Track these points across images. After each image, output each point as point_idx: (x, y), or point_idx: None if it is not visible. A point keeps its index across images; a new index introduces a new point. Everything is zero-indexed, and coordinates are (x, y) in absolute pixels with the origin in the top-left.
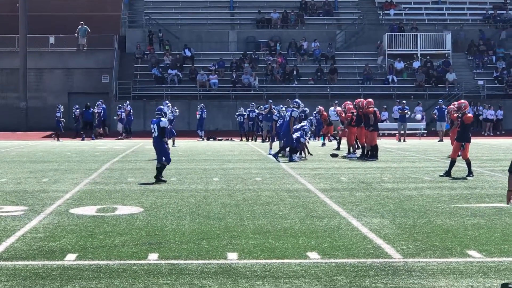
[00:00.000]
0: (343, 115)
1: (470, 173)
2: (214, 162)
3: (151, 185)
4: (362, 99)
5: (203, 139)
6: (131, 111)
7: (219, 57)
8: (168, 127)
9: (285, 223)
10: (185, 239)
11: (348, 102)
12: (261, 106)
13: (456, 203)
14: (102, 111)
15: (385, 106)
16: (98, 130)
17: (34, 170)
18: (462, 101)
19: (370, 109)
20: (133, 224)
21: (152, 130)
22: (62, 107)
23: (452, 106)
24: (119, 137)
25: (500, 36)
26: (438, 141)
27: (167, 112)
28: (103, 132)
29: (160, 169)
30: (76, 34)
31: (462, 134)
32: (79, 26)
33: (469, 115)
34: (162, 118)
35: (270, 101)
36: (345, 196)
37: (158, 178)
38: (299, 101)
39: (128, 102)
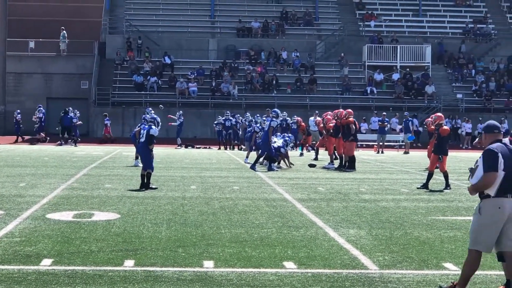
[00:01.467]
0: (321, 125)
1: (447, 185)
2: (192, 170)
3: (128, 192)
4: (341, 110)
5: (181, 147)
6: (44, 117)
7: (199, 65)
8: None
9: (262, 232)
10: (162, 246)
11: (329, 112)
12: (238, 115)
13: (433, 216)
14: (43, 116)
15: (364, 118)
16: (38, 135)
17: (11, 174)
18: (438, 114)
19: (350, 119)
20: (110, 230)
21: (141, 136)
22: (77, 112)
23: (429, 119)
24: (58, 143)
25: (460, 49)
26: (404, 153)
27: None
28: (42, 137)
29: (146, 177)
30: (60, 40)
31: (439, 146)
32: (62, 32)
33: (445, 127)
34: (153, 126)
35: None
36: (322, 206)
37: (148, 186)
38: (278, 111)
39: (71, 108)
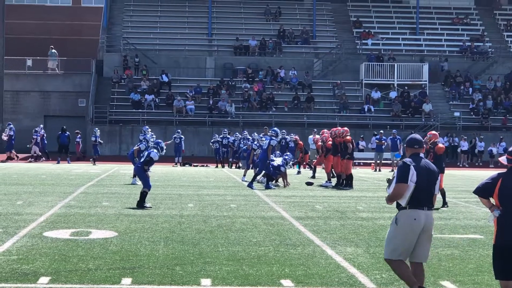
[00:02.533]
0: (319, 143)
1: (444, 203)
2: (189, 188)
3: (126, 210)
4: (338, 128)
5: (178, 165)
6: (45, 135)
7: (196, 83)
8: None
9: (259, 250)
10: (159, 264)
11: (325, 130)
12: (237, 134)
13: None
14: (13, 134)
15: (362, 136)
16: (8, 153)
17: (8, 192)
18: (433, 132)
19: (348, 137)
20: (107, 248)
21: (142, 156)
22: (98, 131)
23: (432, 133)
24: (29, 160)
25: (442, 68)
26: (390, 171)
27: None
28: (12, 156)
29: (141, 196)
30: (49, 58)
31: (435, 164)
32: (50, 50)
33: (441, 145)
34: (155, 151)
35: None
36: (320, 224)
37: (142, 205)
38: (277, 130)
39: (42, 125)
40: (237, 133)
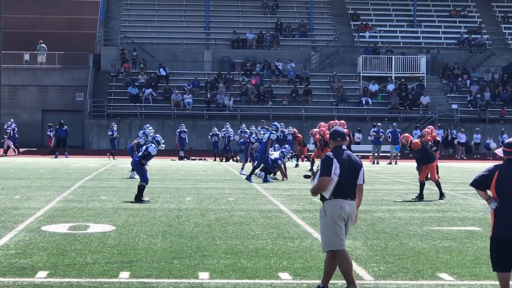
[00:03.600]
0: (317, 136)
1: (441, 195)
2: (187, 182)
3: (124, 204)
4: (336, 121)
5: (183, 158)
6: (16, 129)
7: (194, 76)
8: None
9: (257, 244)
10: (157, 258)
11: (323, 123)
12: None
13: (428, 226)
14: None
15: (359, 128)
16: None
17: (6, 187)
18: (405, 134)
19: (345, 130)
20: (105, 242)
21: (140, 150)
22: (115, 125)
23: (426, 129)
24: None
25: (435, 59)
26: (388, 163)
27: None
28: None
29: (138, 190)
30: (38, 51)
31: (422, 157)
32: (39, 45)
33: (416, 141)
34: (153, 145)
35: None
36: (318, 217)
37: (140, 198)
38: (278, 124)
39: (12, 120)
40: (227, 126)
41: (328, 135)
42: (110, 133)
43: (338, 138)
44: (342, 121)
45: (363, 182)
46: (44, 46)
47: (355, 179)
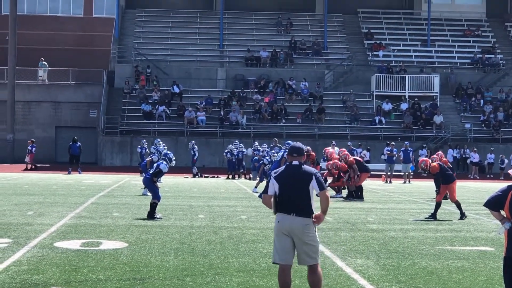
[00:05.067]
0: (334, 155)
1: (462, 215)
2: (200, 199)
3: (136, 220)
4: (344, 150)
5: (197, 176)
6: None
7: (207, 94)
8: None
9: (270, 262)
10: (169, 275)
11: (328, 148)
12: (261, 146)
13: (440, 246)
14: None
15: (369, 147)
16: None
17: (19, 202)
18: (424, 158)
19: (350, 159)
20: (118, 259)
21: (151, 168)
22: (145, 142)
23: (435, 156)
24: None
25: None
26: (403, 183)
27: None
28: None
29: (151, 207)
30: (39, 68)
31: (441, 178)
32: (40, 62)
33: (434, 164)
34: (164, 162)
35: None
36: (330, 236)
37: (152, 215)
38: (292, 143)
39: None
40: (238, 144)
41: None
42: (139, 150)
43: (294, 154)
44: (343, 151)
45: (322, 190)
46: (45, 63)
47: (304, 193)
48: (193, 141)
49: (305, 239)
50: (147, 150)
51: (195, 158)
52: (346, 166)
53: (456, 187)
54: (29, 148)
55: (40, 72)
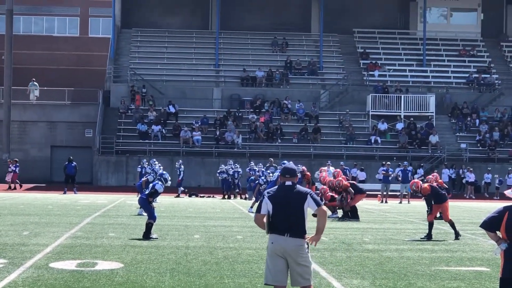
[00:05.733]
0: (326, 176)
1: (457, 235)
2: (195, 219)
3: (132, 241)
4: (332, 180)
5: (183, 195)
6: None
7: (203, 113)
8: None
9: None
10: None
11: (323, 168)
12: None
13: (436, 266)
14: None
15: (362, 167)
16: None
17: (14, 223)
18: (415, 180)
19: (345, 183)
20: (113, 280)
21: (147, 188)
22: (146, 162)
23: (431, 177)
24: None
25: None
26: (399, 203)
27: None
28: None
29: (147, 227)
30: (29, 88)
31: (433, 198)
32: (31, 82)
33: (425, 185)
34: (159, 183)
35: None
36: (326, 256)
37: (148, 236)
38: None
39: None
40: (233, 164)
41: (343, 182)
42: (139, 169)
43: (287, 175)
44: (339, 174)
45: (319, 206)
46: (36, 83)
47: (298, 213)
48: (180, 161)
49: (299, 260)
50: (147, 169)
51: (180, 178)
52: (341, 189)
53: (448, 206)
54: (12, 167)
55: (31, 95)
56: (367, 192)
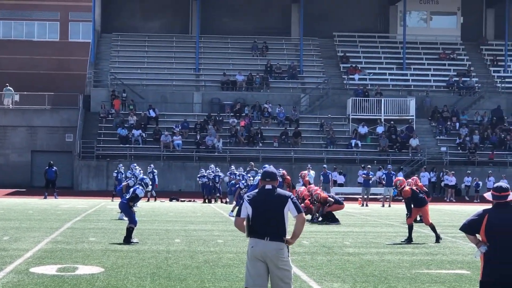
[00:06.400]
0: (306, 178)
1: (438, 238)
2: (176, 223)
3: (113, 245)
4: (304, 190)
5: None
6: None
7: (184, 118)
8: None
9: None
10: None
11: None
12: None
13: (417, 269)
14: None
15: (341, 171)
16: None
17: None
18: (400, 178)
19: (323, 195)
20: (94, 284)
21: (127, 193)
22: (122, 167)
23: (410, 180)
24: None
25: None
26: (381, 206)
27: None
28: None
29: (127, 231)
30: (4, 93)
31: (413, 202)
32: (5, 87)
33: (407, 188)
34: (140, 188)
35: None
36: (307, 260)
37: (128, 240)
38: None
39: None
40: (215, 168)
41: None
42: (115, 174)
43: (267, 179)
44: (313, 188)
45: (299, 213)
46: (11, 88)
47: (278, 217)
48: (152, 165)
49: (279, 264)
50: (124, 175)
51: (156, 183)
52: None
53: (428, 210)
54: None
55: (6, 100)
56: (348, 196)
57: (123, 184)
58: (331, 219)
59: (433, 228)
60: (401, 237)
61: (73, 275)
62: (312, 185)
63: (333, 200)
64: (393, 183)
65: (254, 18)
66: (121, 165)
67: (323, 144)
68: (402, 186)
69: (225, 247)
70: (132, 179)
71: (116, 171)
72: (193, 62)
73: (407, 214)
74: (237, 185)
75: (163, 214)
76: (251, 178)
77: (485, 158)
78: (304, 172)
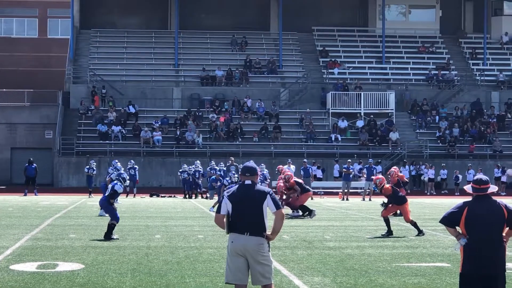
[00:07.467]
0: (288, 172)
1: (419, 232)
2: (156, 219)
3: (93, 242)
4: (285, 171)
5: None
6: None
7: (163, 113)
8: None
9: None
10: None
11: (284, 167)
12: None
13: (397, 262)
14: None
15: (319, 165)
16: None
17: None
18: (380, 176)
19: (291, 181)
20: (74, 281)
21: (107, 190)
22: (94, 163)
23: (393, 170)
24: None
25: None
26: (362, 200)
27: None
28: None
29: (108, 228)
30: None
31: (393, 200)
32: None
33: (387, 186)
34: (119, 183)
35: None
36: (287, 254)
37: (109, 236)
38: (257, 168)
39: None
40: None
41: (291, 180)
42: (86, 170)
43: (247, 174)
44: (285, 172)
45: (278, 209)
46: None
47: (257, 212)
48: (132, 161)
49: (259, 258)
50: (94, 171)
51: (137, 179)
52: (288, 185)
53: (408, 207)
54: None
55: None
56: (327, 190)
57: (107, 179)
58: (307, 213)
59: (414, 224)
60: (381, 230)
61: (53, 272)
62: (287, 170)
63: (299, 188)
64: (373, 182)
65: (233, 13)
66: (93, 161)
67: (303, 139)
68: (382, 185)
69: (205, 243)
70: (115, 173)
71: (87, 167)
72: (172, 57)
73: (382, 205)
74: (218, 180)
75: (143, 210)
76: (236, 176)
77: (465, 151)
78: (281, 166)
